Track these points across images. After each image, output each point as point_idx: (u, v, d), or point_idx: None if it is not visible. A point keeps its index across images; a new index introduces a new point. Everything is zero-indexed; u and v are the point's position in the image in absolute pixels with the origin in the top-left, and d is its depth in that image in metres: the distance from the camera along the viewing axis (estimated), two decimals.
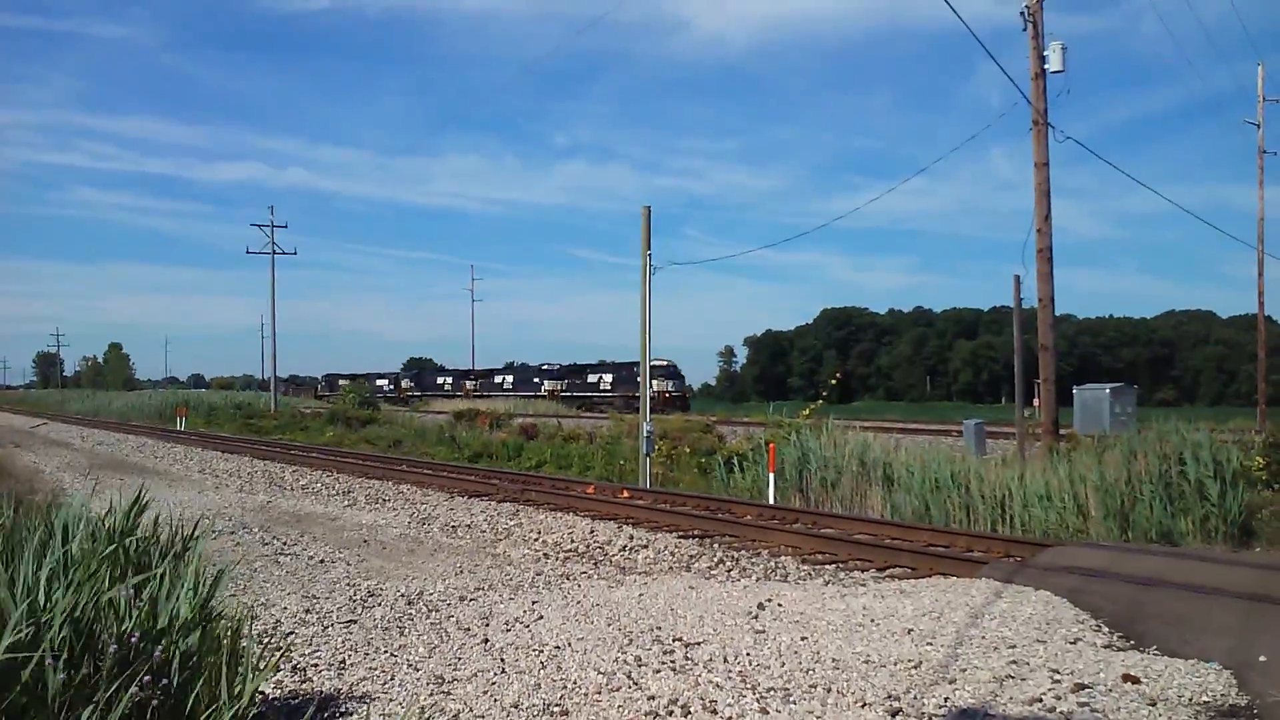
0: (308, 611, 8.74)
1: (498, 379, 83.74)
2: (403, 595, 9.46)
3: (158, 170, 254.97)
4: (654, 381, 61.02)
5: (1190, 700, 6.01)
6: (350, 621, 8.35)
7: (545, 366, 78.89)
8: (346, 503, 18.38)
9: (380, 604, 9.09)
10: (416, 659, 7.11)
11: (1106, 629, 7.99)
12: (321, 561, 11.71)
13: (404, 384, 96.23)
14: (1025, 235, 19.15)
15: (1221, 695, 6.11)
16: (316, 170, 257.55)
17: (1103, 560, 11.02)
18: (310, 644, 7.55)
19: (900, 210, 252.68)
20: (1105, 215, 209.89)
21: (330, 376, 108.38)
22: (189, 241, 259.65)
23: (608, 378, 70.65)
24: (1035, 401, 20.68)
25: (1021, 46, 19.23)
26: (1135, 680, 6.34)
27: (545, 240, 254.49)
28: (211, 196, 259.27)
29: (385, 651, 7.32)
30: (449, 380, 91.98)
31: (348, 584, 10.16)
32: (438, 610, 8.79)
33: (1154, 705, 5.90)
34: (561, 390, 73.93)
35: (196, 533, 6.96)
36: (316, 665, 6.96)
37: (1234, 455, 14.84)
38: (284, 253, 61.69)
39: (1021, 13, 18.99)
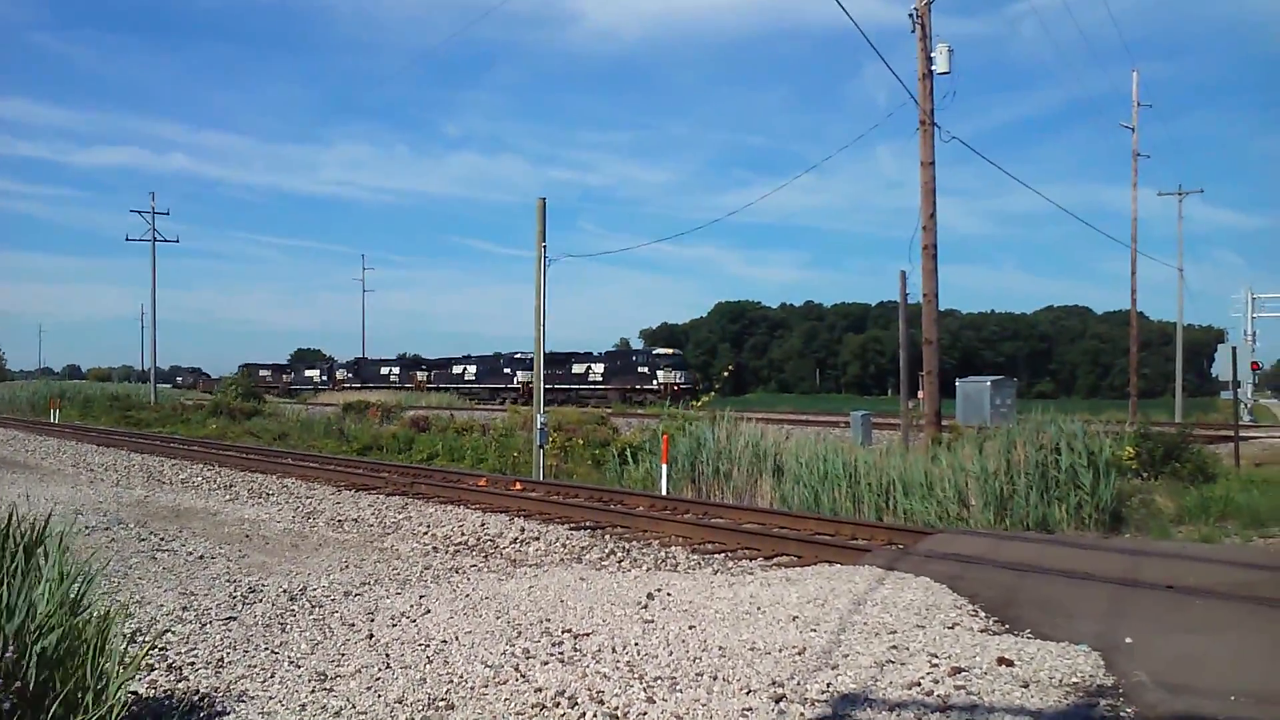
0: (185, 609, 8.47)
1: (457, 369, 76.19)
2: (285, 591, 9.24)
3: (31, 153, 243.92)
4: (659, 372, 59.11)
5: (1061, 682, 6.22)
6: (230, 618, 8.12)
7: (519, 355, 69.15)
8: (228, 497, 17.89)
9: (262, 600, 8.86)
10: (298, 656, 6.94)
11: (983, 614, 8.23)
12: (201, 557, 11.37)
13: (339, 375, 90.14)
14: (911, 232, 19.61)
15: (1090, 676, 6.34)
16: (200, 156, 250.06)
17: (981, 547, 11.37)
18: (187, 642, 7.32)
19: (791, 206, 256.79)
20: (987, 214, 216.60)
21: (248, 367, 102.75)
22: (65, 228, 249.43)
23: (597, 368, 65.73)
24: (920, 393, 21.24)
25: (909, 48, 19.68)
26: (1009, 663, 6.54)
27: (438, 230, 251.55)
28: (89, 182, 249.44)
29: (266, 649, 7.14)
30: (394, 371, 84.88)
31: (228, 580, 9.88)
32: (321, 606, 8.61)
33: (1026, 687, 6.09)
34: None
35: (63, 527, 6.67)
36: (193, 664, 6.75)
37: (1106, 446, 15.44)
38: (166, 240, 59.83)
39: (910, 15, 19.41)
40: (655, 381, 58.96)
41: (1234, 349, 25.07)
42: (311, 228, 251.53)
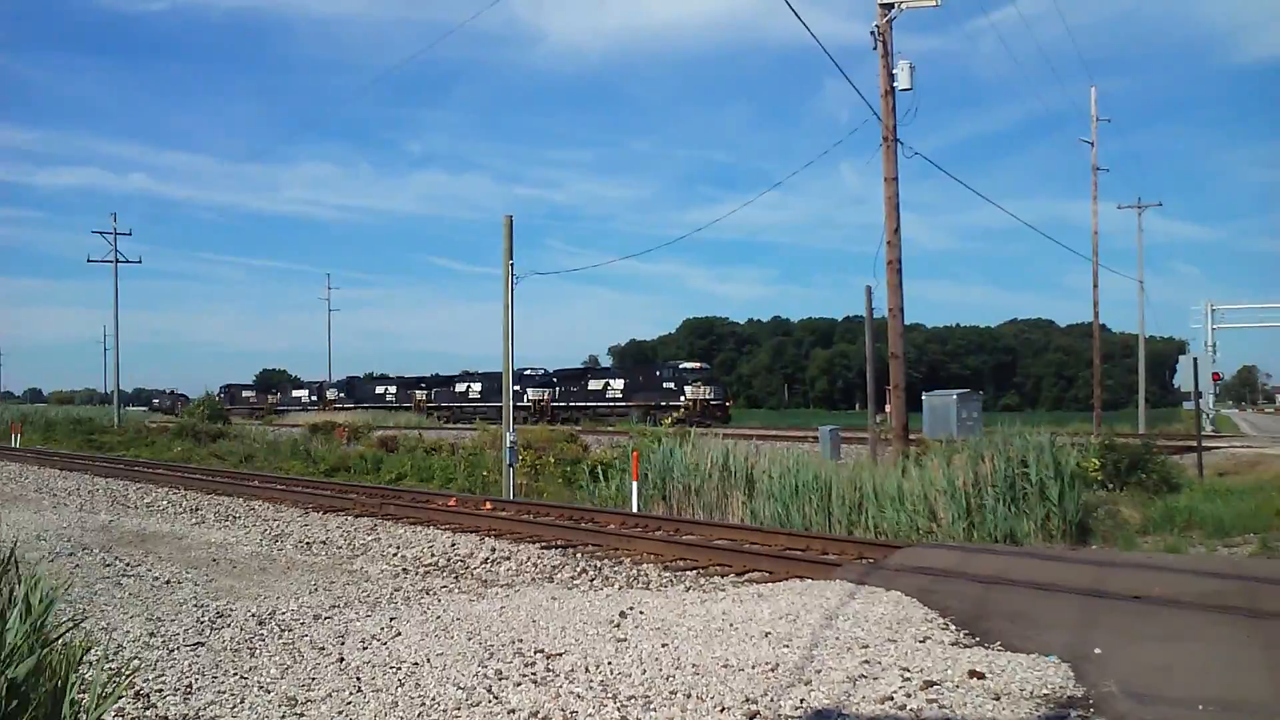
0: (152, 635, 8.35)
1: (460, 387, 70.66)
2: (254, 615, 9.14)
3: None
4: (688, 388, 54.29)
5: (1031, 693, 6.27)
6: (198, 644, 8.02)
7: (529, 372, 65.79)
8: (194, 520, 17.69)
9: (230, 625, 8.76)
10: (268, 681, 6.87)
11: (954, 627, 8.28)
12: (167, 582, 11.23)
13: (329, 395, 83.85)
14: (876, 248, 19.77)
15: (1060, 687, 6.39)
16: (161, 176, 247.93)
17: (951, 560, 11.44)
18: (155, 668, 7.22)
19: (757, 223, 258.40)
20: (951, 228, 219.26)
21: (231, 388, 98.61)
22: (25, 250, 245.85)
23: (616, 384, 61.21)
24: (887, 407, 21.38)
25: (871, 65, 19.89)
26: (980, 676, 6.58)
27: (404, 249, 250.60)
28: (49, 203, 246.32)
29: (235, 674, 7.05)
30: (390, 390, 78.96)
31: (195, 605, 9.76)
32: (291, 630, 8.52)
33: (998, 699, 6.14)
34: (554, 399, 62.82)
35: (29, 553, 6.59)
36: (161, 690, 6.66)
37: (1072, 458, 15.60)
38: (128, 261, 59.02)
39: (872, 32, 19.60)
40: (683, 398, 54.01)
41: (1195, 360, 25.38)
42: (275, 247, 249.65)
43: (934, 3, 19.21)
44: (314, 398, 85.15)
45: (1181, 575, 10.11)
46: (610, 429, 43.07)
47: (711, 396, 54.34)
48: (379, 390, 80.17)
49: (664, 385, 56.26)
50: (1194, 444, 22.72)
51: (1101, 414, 40.65)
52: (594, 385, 61.94)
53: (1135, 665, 6.86)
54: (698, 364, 61.29)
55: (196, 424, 46.11)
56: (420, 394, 74.31)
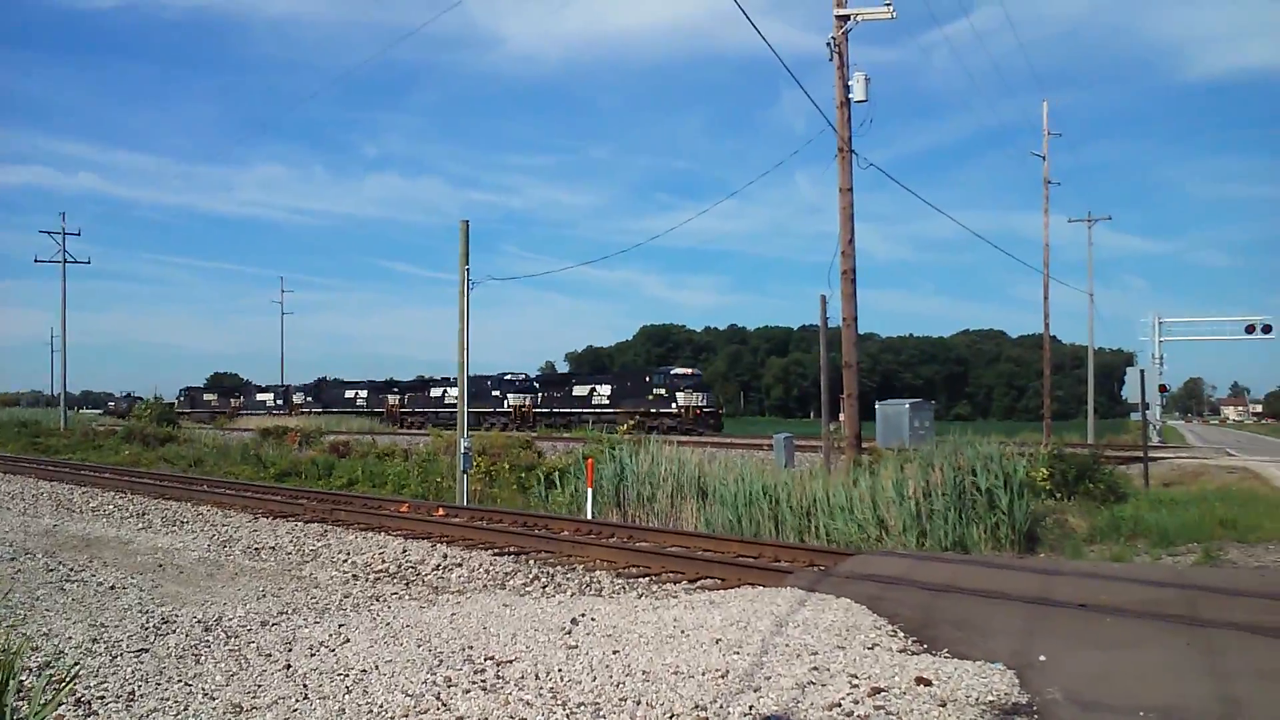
0: (95, 641, 8.22)
1: (435, 391, 66.91)
2: (200, 621, 9.02)
3: None
4: (680, 395, 52.44)
5: (977, 700, 6.33)
6: (142, 650, 7.90)
7: (509, 377, 63.04)
8: (141, 525, 17.43)
9: (175, 631, 8.63)
10: (213, 688, 6.78)
11: (902, 634, 8.34)
12: (112, 588, 11.06)
13: (295, 399, 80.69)
14: (831, 257, 19.91)
15: (1005, 694, 6.46)
16: (111, 176, 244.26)
17: (900, 568, 11.54)
18: (97, 675, 7.10)
19: (713, 231, 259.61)
20: (905, 239, 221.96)
21: (191, 391, 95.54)
22: None
23: (603, 390, 58.78)
24: (841, 416, 21.52)
25: (827, 75, 20.05)
26: (928, 682, 6.64)
27: (358, 252, 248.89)
28: None
29: (179, 681, 6.95)
30: (361, 394, 75.47)
31: (140, 611, 9.62)
32: (237, 636, 8.41)
33: (944, 706, 6.19)
34: (536, 406, 60.47)
35: None
36: (103, 698, 6.55)
37: (1021, 467, 15.79)
38: (76, 262, 58.22)
39: (828, 43, 19.76)
40: (675, 405, 52.57)
41: (1142, 372, 25.86)
42: (228, 249, 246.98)
43: (889, 15, 19.41)
44: (279, 401, 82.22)
45: (1126, 584, 10.27)
46: (567, 435, 42.96)
47: (704, 404, 53.13)
48: (349, 394, 77.18)
49: (654, 392, 54.71)
50: (1141, 454, 23.12)
51: (1051, 424, 41.27)
52: (579, 391, 60.02)
53: (1079, 672, 6.95)
54: (689, 370, 59.48)
55: (145, 427, 45.41)
56: (393, 399, 71.86)
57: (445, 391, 65.14)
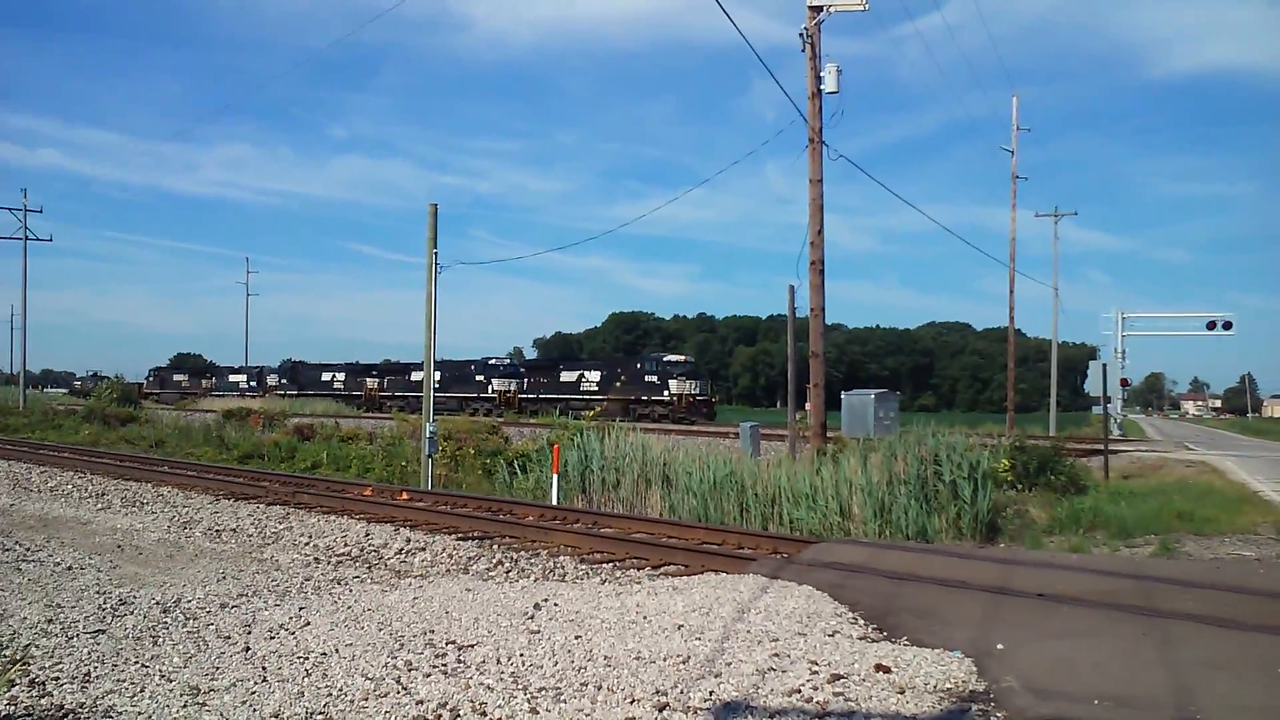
0: (50, 621, 8.13)
1: (416, 375, 61.09)
2: (158, 603, 8.93)
3: None
4: (672, 382, 51.35)
5: (935, 687, 6.39)
6: (99, 631, 7.82)
7: (494, 361, 61.36)
8: (100, 506, 17.24)
9: (133, 612, 8.55)
10: (170, 669, 6.72)
11: (863, 621, 8.41)
12: (69, 568, 10.93)
13: (269, 380, 78.85)
14: (800, 248, 19.95)
15: (963, 682, 6.53)
16: (73, 153, 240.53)
17: (862, 556, 11.61)
18: (52, 656, 7.03)
19: (683, 219, 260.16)
20: (873, 231, 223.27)
21: (160, 371, 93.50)
22: None
23: (592, 376, 57.33)
24: (808, 405, 21.61)
25: (798, 66, 20.04)
26: (887, 670, 6.69)
27: (324, 234, 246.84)
28: None
29: (136, 662, 6.89)
30: (339, 377, 73.56)
31: (97, 592, 9.51)
32: (196, 618, 8.34)
33: (902, 693, 6.24)
34: (522, 391, 59.01)
35: None
36: (58, 679, 6.48)
37: (984, 458, 15.92)
38: (38, 239, 57.21)
39: (801, 34, 19.75)
40: (667, 392, 51.60)
41: (1104, 366, 26.07)
42: (192, 229, 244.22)
43: (862, 7, 19.43)
44: (253, 383, 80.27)
45: (1084, 574, 10.39)
46: (534, 422, 42.86)
47: (697, 392, 52.13)
48: (325, 377, 75.39)
49: (646, 379, 53.66)
50: (1101, 447, 23.37)
51: (1014, 416, 41.63)
52: (567, 377, 58.71)
53: (1036, 661, 7.03)
54: (682, 356, 58.31)
55: (106, 407, 44.85)
56: (372, 382, 70.14)
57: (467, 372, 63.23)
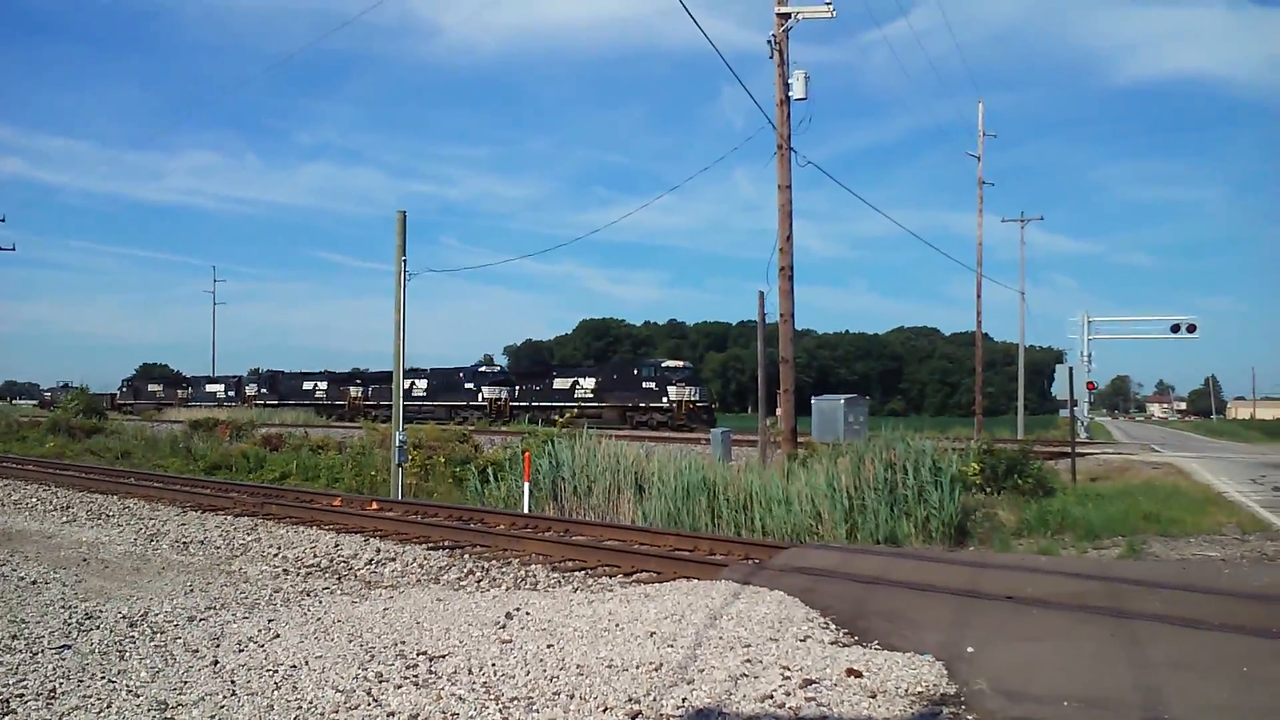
0: (15, 637, 8.02)
1: (404, 382, 62.18)
2: (125, 617, 8.83)
3: None
4: (671, 388, 50.18)
5: (906, 691, 6.42)
6: (64, 646, 7.72)
7: (484, 369, 60.12)
8: (65, 519, 17.02)
9: (99, 627, 8.45)
10: (137, 684, 6.64)
11: (834, 626, 8.43)
12: (33, 583, 10.78)
13: (248, 390, 76.74)
14: (769, 253, 20.04)
15: (934, 685, 6.56)
16: (36, 161, 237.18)
17: (833, 561, 11.66)
18: (16, 672, 6.93)
19: (653, 226, 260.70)
20: (842, 237, 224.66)
21: (134, 382, 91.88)
22: None
23: (587, 383, 55.62)
24: (778, 411, 21.69)
25: (767, 73, 20.16)
26: (858, 674, 6.72)
27: (292, 242, 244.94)
28: None
29: (103, 678, 6.80)
30: (320, 385, 71.00)
31: (63, 606, 9.39)
32: (163, 632, 8.25)
33: (874, 697, 6.27)
34: (513, 399, 57.43)
35: None
36: (22, 695, 6.39)
37: (953, 462, 16.04)
38: (1, 249, 56.38)
39: (769, 41, 19.86)
40: (666, 399, 50.31)
41: (1071, 370, 26.38)
42: (158, 238, 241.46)
43: (829, 14, 19.56)
44: (231, 393, 78.10)
45: (1052, 576, 10.48)
46: (504, 430, 42.73)
47: (698, 398, 50.83)
48: (307, 386, 72.88)
49: (644, 385, 52.16)
50: (1069, 450, 23.60)
51: (983, 420, 41.98)
52: (560, 384, 56.92)
53: (1006, 663, 7.08)
54: (680, 362, 56.96)
55: (70, 419, 44.33)
56: (356, 391, 67.87)
57: (414, 383, 62.04)
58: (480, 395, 58.22)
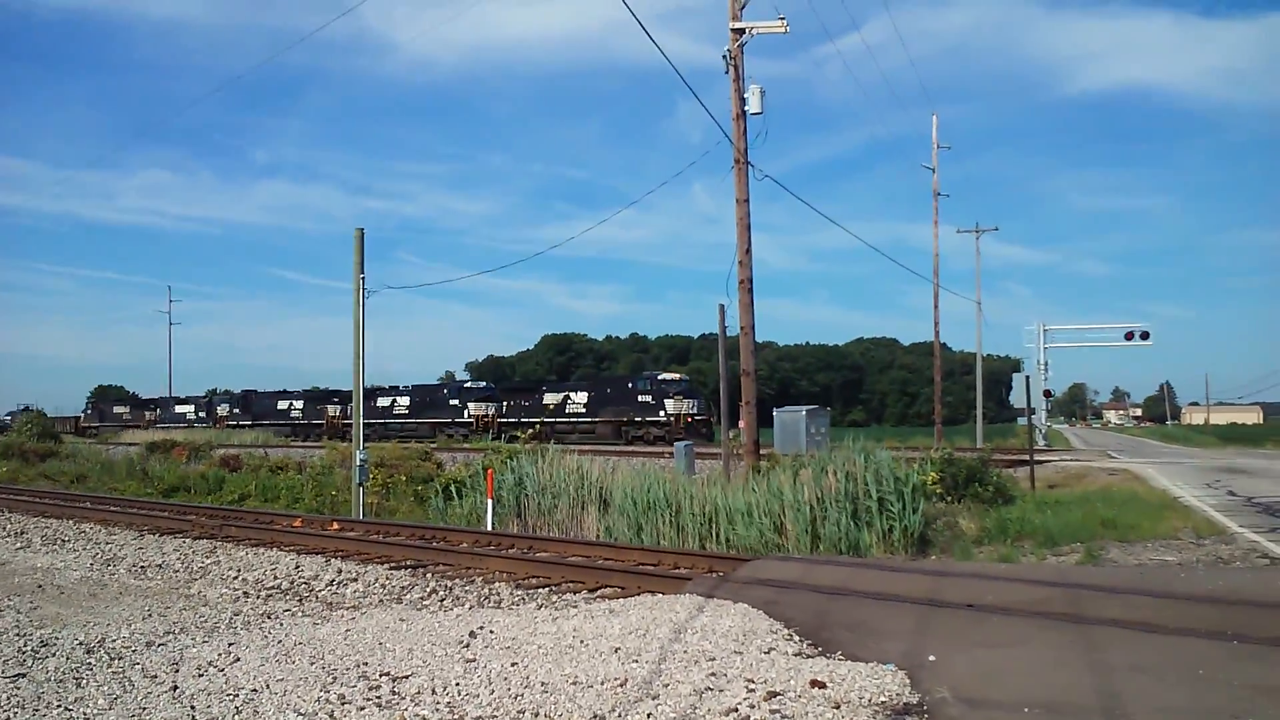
0: None
1: (383, 401, 61.49)
2: (81, 644, 8.69)
3: None
4: (669, 401, 48.91)
5: (870, 701, 6.46)
6: (19, 675, 7.59)
7: (469, 385, 59.22)
8: (19, 545, 16.73)
9: (55, 654, 8.31)
10: (94, 712, 6.54)
11: (798, 637, 8.46)
12: None
13: (220, 410, 74.40)
14: (729, 267, 20.12)
15: (897, 695, 6.60)
16: None
17: (796, 572, 11.70)
18: None
19: (612, 240, 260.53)
20: (800, 249, 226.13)
21: (99, 404, 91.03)
22: None
23: (578, 397, 54.08)
24: (740, 423, 21.77)
25: (723, 87, 20.28)
26: (822, 685, 6.74)
27: (249, 261, 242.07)
28: None
29: (59, 706, 6.69)
30: (296, 405, 69.32)
31: (17, 634, 9.22)
32: (121, 658, 8.13)
33: (838, 708, 6.29)
34: (501, 415, 55.76)
35: None
36: None
37: (913, 472, 16.15)
38: None
39: (724, 56, 19.99)
40: (664, 412, 48.91)
41: (1028, 378, 26.70)
42: (111, 258, 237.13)
43: (783, 29, 19.73)
44: (202, 414, 76.03)
45: (1012, 584, 10.57)
46: (468, 446, 42.50)
47: (696, 411, 49.24)
48: (282, 405, 70.83)
49: (640, 399, 50.64)
50: (1027, 458, 23.85)
51: (942, 429, 42.34)
52: (551, 399, 55.42)
53: (967, 671, 7.14)
54: (677, 375, 55.42)
55: (24, 442, 43.57)
56: (333, 410, 65.50)
57: (394, 401, 61.39)
58: (466, 412, 57.12)
